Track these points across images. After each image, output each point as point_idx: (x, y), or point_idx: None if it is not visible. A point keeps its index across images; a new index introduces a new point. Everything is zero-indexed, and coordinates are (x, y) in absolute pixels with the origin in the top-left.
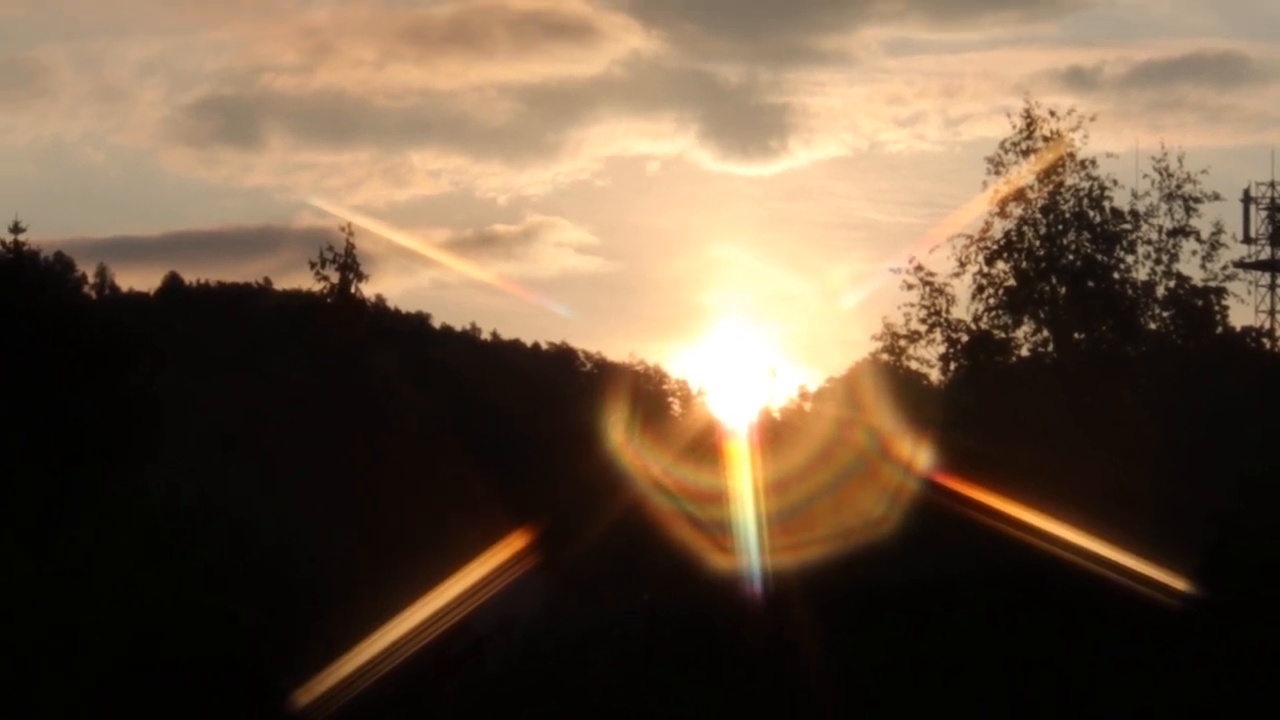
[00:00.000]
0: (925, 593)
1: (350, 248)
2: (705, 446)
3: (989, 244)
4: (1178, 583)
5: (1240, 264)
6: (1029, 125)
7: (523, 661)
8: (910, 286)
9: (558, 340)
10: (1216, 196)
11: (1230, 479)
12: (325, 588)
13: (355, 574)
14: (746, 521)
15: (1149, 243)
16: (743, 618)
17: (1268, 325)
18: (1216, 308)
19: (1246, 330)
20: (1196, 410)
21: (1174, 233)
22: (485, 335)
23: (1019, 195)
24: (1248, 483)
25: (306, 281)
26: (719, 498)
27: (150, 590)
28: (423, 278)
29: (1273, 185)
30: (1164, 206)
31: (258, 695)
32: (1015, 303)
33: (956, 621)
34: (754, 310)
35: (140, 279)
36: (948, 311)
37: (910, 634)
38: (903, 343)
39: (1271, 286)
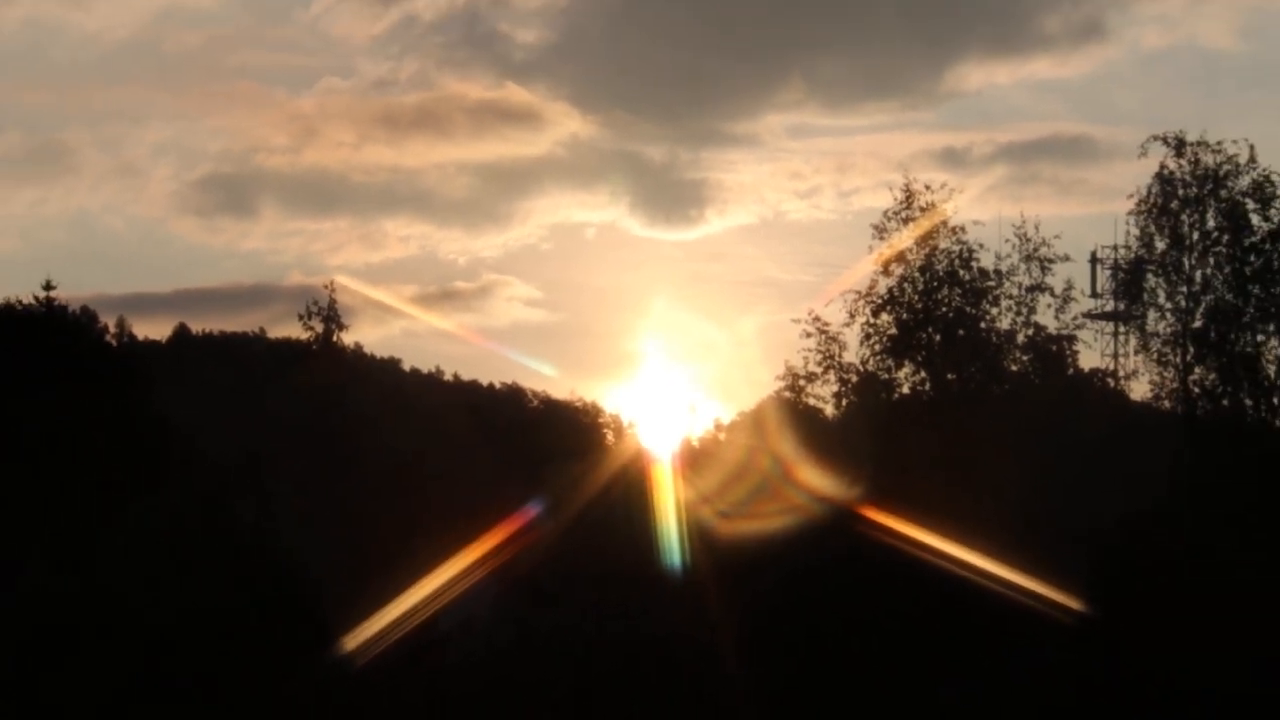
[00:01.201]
0: (819, 597)
1: (332, 302)
2: (635, 470)
3: (875, 298)
4: (1051, 593)
5: (1088, 315)
6: (908, 197)
7: (481, 655)
8: (808, 335)
9: (509, 381)
10: (1067, 258)
11: (1082, 497)
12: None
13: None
14: (670, 534)
15: (1010, 297)
16: (669, 616)
17: (1112, 367)
18: (1068, 352)
19: (1094, 371)
20: (1052, 440)
21: (1032, 289)
22: (448, 376)
23: (900, 257)
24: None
25: (295, 330)
26: (647, 513)
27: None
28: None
29: (1115, 248)
30: (1023, 266)
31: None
32: (897, 348)
33: (842, 622)
34: (676, 354)
35: (154, 329)
36: (840, 356)
37: (805, 635)
38: (802, 382)
39: (1115, 334)
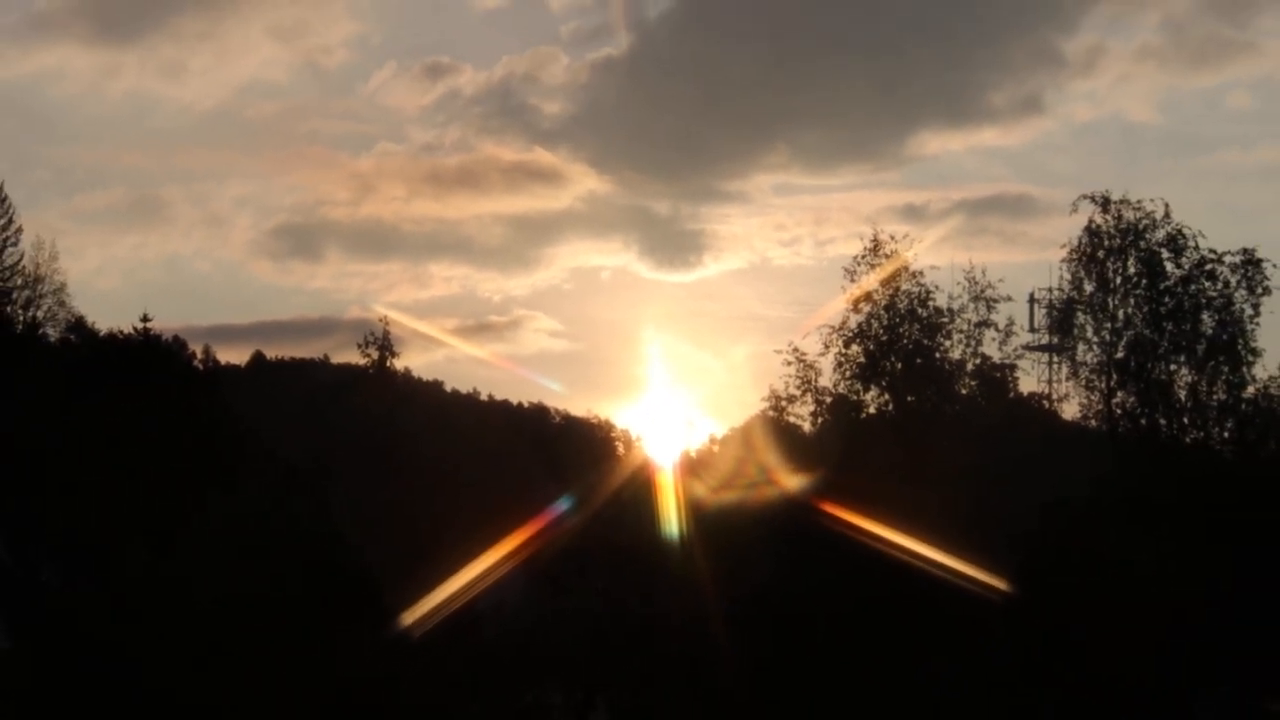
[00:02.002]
0: (798, 585)
1: (386, 333)
2: (641, 477)
3: (846, 332)
4: (993, 581)
5: (1027, 347)
6: (875, 246)
7: (511, 631)
8: (789, 363)
9: (536, 400)
10: (1009, 298)
11: (1019, 500)
12: (371, 571)
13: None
14: (672, 531)
15: (961, 331)
16: (669, 601)
17: (1046, 391)
18: (1010, 379)
19: (1032, 395)
20: (995, 452)
21: (979, 324)
22: (484, 397)
23: (867, 296)
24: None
25: (354, 357)
26: (652, 513)
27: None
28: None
29: (1050, 290)
30: (972, 305)
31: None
32: (865, 375)
33: (824, 613)
34: (677, 379)
35: (235, 355)
36: (816, 381)
37: (785, 616)
38: (783, 403)
39: (1049, 364)
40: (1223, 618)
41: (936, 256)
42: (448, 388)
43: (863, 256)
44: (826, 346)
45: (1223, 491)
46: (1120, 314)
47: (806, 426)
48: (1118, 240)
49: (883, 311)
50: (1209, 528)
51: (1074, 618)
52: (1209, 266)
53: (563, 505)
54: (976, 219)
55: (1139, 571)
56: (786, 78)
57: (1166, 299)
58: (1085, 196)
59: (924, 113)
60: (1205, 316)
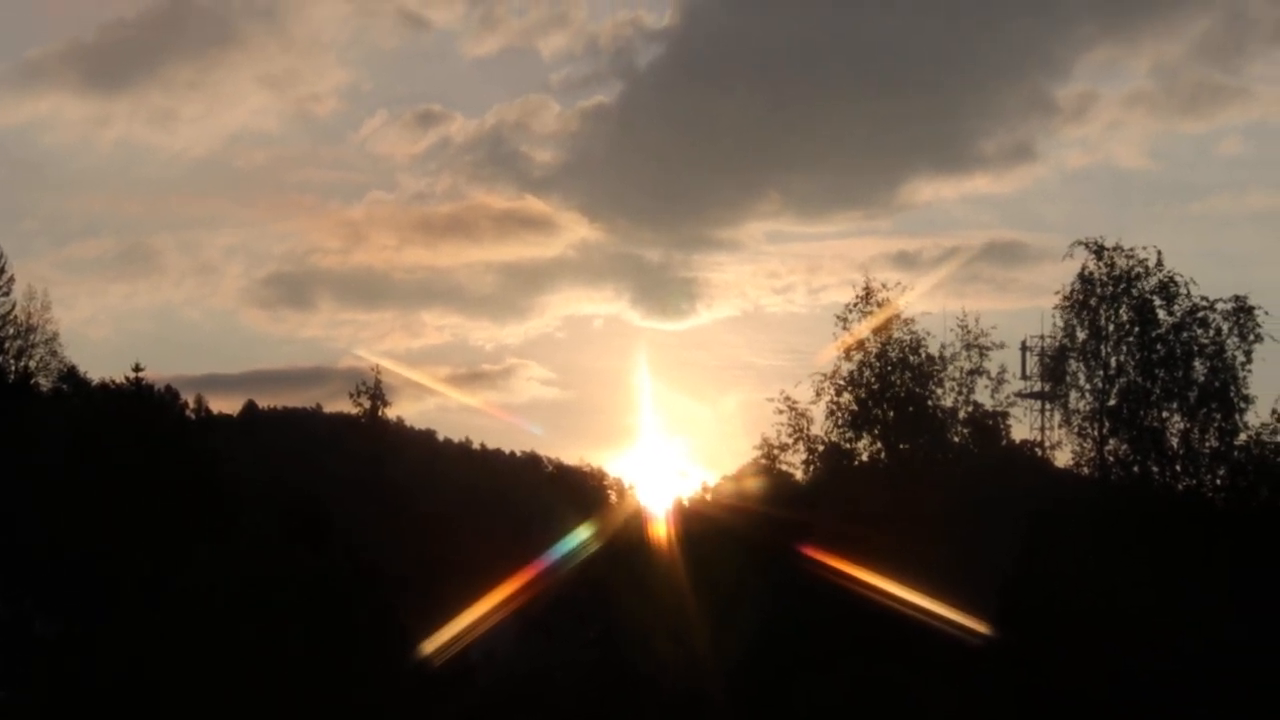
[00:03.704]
0: (793, 637)
1: (378, 382)
2: (634, 526)
3: (838, 380)
4: (976, 625)
5: (1019, 394)
6: (867, 294)
7: (503, 680)
8: (781, 411)
9: (528, 449)
10: (1002, 345)
11: (1012, 549)
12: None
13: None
14: (665, 580)
15: (953, 379)
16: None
17: (1039, 439)
18: (1002, 426)
19: (1024, 443)
20: (987, 500)
21: (971, 372)
22: (476, 445)
23: (859, 345)
24: (1027, 552)
25: (347, 406)
26: (645, 563)
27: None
28: (430, 404)
29: (1042, 337)
30: (964, 353)
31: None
32: (857, 423)
33: (817, 660)
34: (670, 427)
35: (227, 404)
36: (808, 429)
37: (781, 662)
38: (776, 451)
39: (1041, 411)
40: (1211, 662)
41: (929, 303)
42: (440, 436)
43: (855, 304)
44: (819, 394)
45: (1214, 538)
46: (1113, 361)
47: (799, 475)
48: (1110, 288)
49: (875, 360)
50: (1200, 573)
51: (1063, 662)
52: (1201, 314)
53: (555, 554)
54: (968, 266)
55: (1129, 614)
56: (778, 125)
57: (1159, 346)
58: (1079, 243)
59: (916, 160)
60: (1197, 364)
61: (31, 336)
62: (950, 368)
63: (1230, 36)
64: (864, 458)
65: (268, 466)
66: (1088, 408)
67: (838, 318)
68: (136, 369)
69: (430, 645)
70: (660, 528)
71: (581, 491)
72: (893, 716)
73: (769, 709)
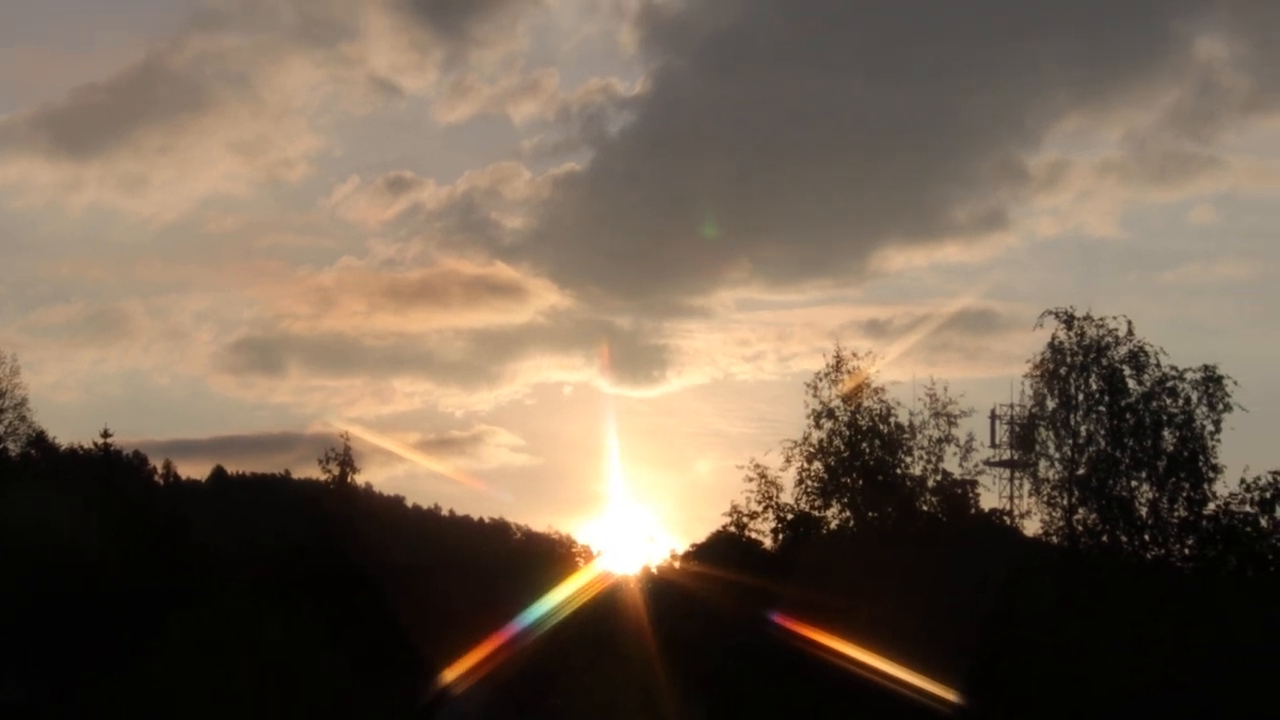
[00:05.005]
0: (763, 700)
1: (347, 449)
2: (603, 593)
3: (808, 448)
4: (944, 692)
5: (988, 462)
6: (838, 362)
7: None
8: (750, 479)
9: (496, 516)
10: (971, 412)
11: (981, 617)
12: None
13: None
14: (632, 648)
15: (922, 447)
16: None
17: (1009, 507)
18: (971, 495)
19: (993, 511)
20: (957, 569)
21: (940, 440)
22: (445, 512)
23: (829, 413)
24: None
25: (316, 472)
26: (613, 631)
27: None
28: (399, 470)
29: (1011, 406)
30: (933, 421)
31: None
32: (826, 491)
33: None
34: (639, 493)
35: (195, 470)
36: (777, 497)
37: None
38: (745, 519)
39: (1011, 479)
40: None
41: (899, 371)
42: (409, 503)
43: (825, 373)
44: (788, 462)
45: (1183, 608)
46: (1082, 430)
47: (768, 542)
48: (1080, 357)
49: (845, 428)
50: (1168, 643)
51: None
52: (1170, 383)
53: (524, 620)
54: (938, 334)
55: (1098, 682)
56: (749, 193)
57: (1128, 415)
58: (1049, 313)
59: (887, 228)
60: (1166, 433)
61: (0, 401)
62: (919, 436)
63: (1201, 106)
64: (833, 526)
65: (236, 532)
66: (1057, 476)
67: (808, 386)
68: (105, 434)
69: (400, 712)
70: (629, 595)
71: (550, 558)
72: None
73: None
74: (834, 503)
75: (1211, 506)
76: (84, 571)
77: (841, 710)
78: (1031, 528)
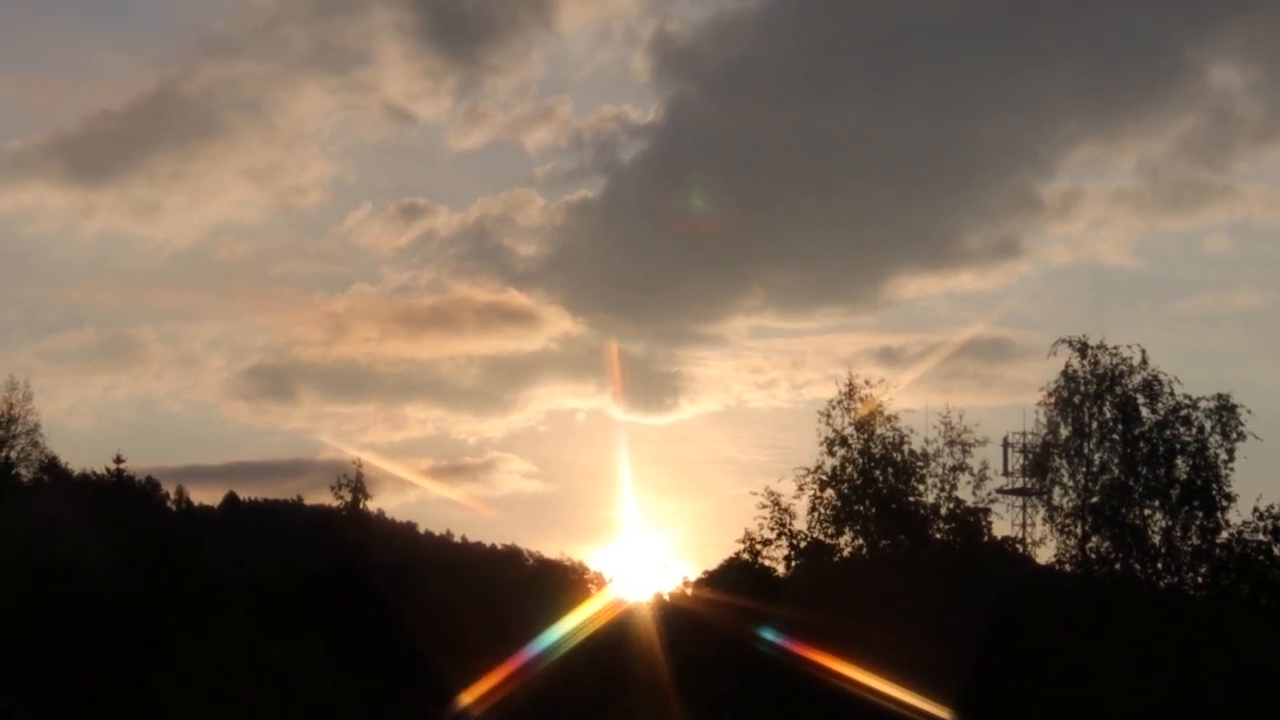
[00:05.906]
0: None
1: (359, 475)
2: (615, 620)
3: (821, 475)
4: (951, 717)
5: (1001, 491)
6: (851, 390)
7: None
8: (764, 506)
9: (509, 542)
10: (985, 441)
11: (994, 646)
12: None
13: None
14: (646, 673)
15: (935, 475)
16: None
17: (1021, 535)
18: (984, 523)
19: (1005, 539)
20: (970, 597)
21: (954, 469)
22: (457, 538)
23: (843, 441)
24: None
25: (328, 499)
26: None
27: None
28: (411, 496)
29: (1024, 434)
30: (947, 449)
31: None
32: (839, 519)
33: None
34: (652, 520)
35: (208, 496)
36: (791, 524)
37: None
38: (758, 546)
39: (1023, 508)
40: None
41: (912, 399)
42: (421, 529)
43: (838, 401)
44: (801, 490)
45: (1195, 635)
46: (1096, 458)
47: (781, 569)
48: (1094, 385)
49: (858, 456)
50: (1175, 665)
51: None
52: (1184, 412)
53: (536, 648)
54: (951, 362)
55: (1103, 707)
56: (762, 221)
57: (1141, 444)
58: (1063, 341)
59: (900, 256)
60: (1180, 462)
61: (13, 427)
62: (933, 464)
63: (1215, 135)
64: (846, 553)
65: (248, 558)
66: (1070, 504)
67: (821, 414)
68: (118, 460)
69: None
70: (641, 621)
71: (563, 585)
72: None
73: None
74: (847, 530)
75: (1225, 535)
76: (95, 596)
77: None
78: (1044, 555)
